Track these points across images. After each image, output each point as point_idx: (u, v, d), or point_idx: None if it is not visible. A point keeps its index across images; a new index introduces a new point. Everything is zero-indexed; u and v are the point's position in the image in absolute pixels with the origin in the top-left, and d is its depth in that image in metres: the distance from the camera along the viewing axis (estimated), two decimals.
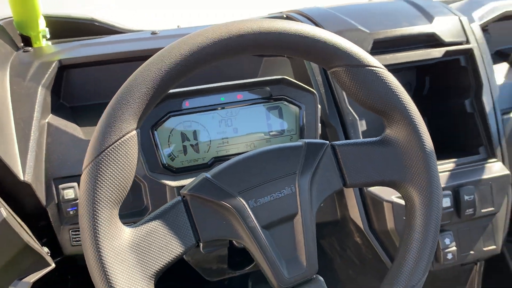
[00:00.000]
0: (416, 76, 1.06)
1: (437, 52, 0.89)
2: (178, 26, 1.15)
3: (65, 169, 0.75)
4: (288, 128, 0.74)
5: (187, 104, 0.70)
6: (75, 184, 0.74)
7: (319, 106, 0.75)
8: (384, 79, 0.54)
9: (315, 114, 0.74)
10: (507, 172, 0.86)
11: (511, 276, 1.47)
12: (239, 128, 0.72)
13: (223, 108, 0.71)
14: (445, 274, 0.91)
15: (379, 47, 0.88)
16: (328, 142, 0.56)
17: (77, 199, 0.73)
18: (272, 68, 0.94)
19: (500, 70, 1.03)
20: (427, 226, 0.55)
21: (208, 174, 0.51)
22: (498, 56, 1.08)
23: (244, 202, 0.51)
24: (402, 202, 0.79)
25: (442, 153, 0.95)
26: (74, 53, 0.86)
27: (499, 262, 1.11)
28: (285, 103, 0.73)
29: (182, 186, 0.75)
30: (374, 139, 0.57)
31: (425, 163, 0.55)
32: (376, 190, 0.81)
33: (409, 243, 0.56)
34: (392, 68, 0.89)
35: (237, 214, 0.51)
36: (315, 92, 0.74)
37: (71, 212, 0.73)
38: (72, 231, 0.76)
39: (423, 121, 0.56)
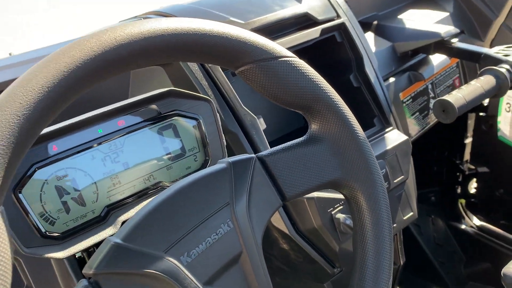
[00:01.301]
0: None
1: (314, 32, 0.85)
2: (10, 54, 0.94)
3: None
4: (189, 147, 0.62)
5: (54, 148, 0.54)
6: None
7: (218, 114, 0.64)
8: (301, 69, 0.46)
9: (216, 123, 0.64)
10: (405, 137, 0.87)
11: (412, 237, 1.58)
12: (130, 161, 0.58)
13: (103, 142, 0.56)
14: None
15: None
16: (253, 155, 0.46)
17: None
18: (144, 82, 0.81)
19: (370, 39, 1.04)
20: (379, 221, 0.49)
21: (116, 238, 0.38)
22: (362, 27, 1.10)
23: (175, 261, 0.39)
24: (324, 195, 0.74)
25: None
26: None
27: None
28: (178, 118, 0.61)
29: (75, 255, 0.58)
30: (301, 139, 0.49)
31: (361, 154, 0.49)
32: None
33: (365, 246, 0.49)
34: None
35: (170, 280, 0.38)
36: (211, 99, 0.63)
37: None
38: None
39: (348, 108, 0.50)
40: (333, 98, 0.48)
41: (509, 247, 1.44)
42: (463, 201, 1.56)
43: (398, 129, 0.90)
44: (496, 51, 0.91)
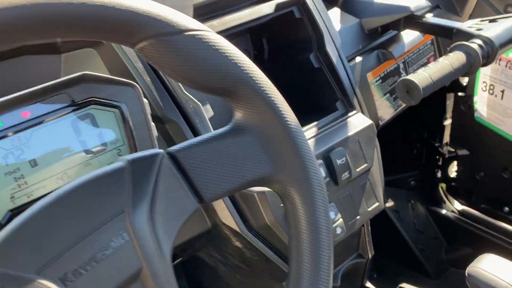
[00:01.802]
0: (251, 42, 0.94)
1: (268, 7, 0.77)
2: None
3: None
4: (112, 140, 0.54)
5: None
6: None
7: (146, 101, 0.57)
8: (216, 46, 0.38)
9: (144, 111, 0.56)
10: (369, 121, 0.79)
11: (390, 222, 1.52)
12: (38, 158, 0.50)
13: (4, 137, 0.48)
14: (335, 248, 0.82)
15: (202, 13, 0.72)
16: (161, 150, 0.39)
17: None
18: (77, 67, 0.72)
19: (334, 16, 0.96)
20: (316, 221, 0.42)
21: None
22: (327, 2, 1.01)
23: (50, 284, 0.32)
24: None
25: (302, 118, 0.86)
26: None
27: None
28: (97, 107, 0.53)
29: None
30: (222, 130, 0.41)
31: (293, 146, 0.41)
32: None
33: (301, 248, 0.42)
34: (224, 36, 0.75)
35: None
36: (135, 84, 0.55)
37: None
38: None
39: (278, 92, 0.42)
40: (258, 81, 0.40)
41: (491, 231, 1.39)
42: (443, 185, 1.50)
43: (363, 113, 0.83)
44: (469, 25, 0.83)
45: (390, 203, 1.57)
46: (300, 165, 0.42)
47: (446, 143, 1.42)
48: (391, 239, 1.54)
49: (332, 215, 0.72)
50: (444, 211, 1.50)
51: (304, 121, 0.80)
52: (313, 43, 0.83)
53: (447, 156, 1.42)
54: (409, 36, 1.01)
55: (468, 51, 0.74)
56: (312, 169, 0.42)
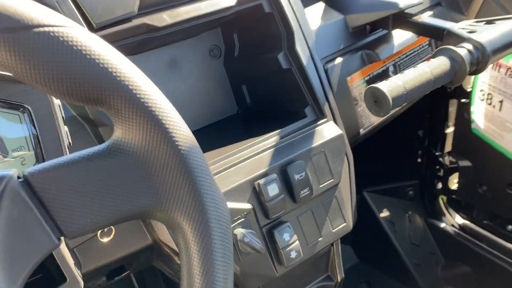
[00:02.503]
0: (223, 36, 0.86)
1: (230, 0, 0.69)
2: None
3: None
4: (13, 147, 0.48)
5: None
6: None
7: (58, 102, 0.50)
8: (80, 46, 0.31)
9: (54, 114, 0.49)
10: (339, 132, 0.71)
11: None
12: None
13: None
14: (299, 268, 0.74)
15: (152, 3, 0.64)
16: (8, 173, 0.32)
17: None
18: None
19: (316, 11, 0.87)
20: (210, 259, 0.35)
21: None
22: None
23: None
24: None
25: (269, 124, 0.78)
26: None
27: None
28: None
29: None
30: (95, 149, 0.34)
31: (183, 170, 0.34)
32: None
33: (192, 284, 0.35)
34: (180, 29, 0.67)
35: None
36: None
37: None
38: None
39: (167, 102, 0.34)
40: (138, 89, 0.33)
41: (492, 250, 1.28)
42: (444, 197, 1.40)
43: (336, 121, 0.74)
44: (461, 27, 0.73)
45: (385, 213, 1.47)
46: (193, 195, 0.34)
47: (448, 153, 1.31)
48: (384, 251, 1.45)
49: (286, 236, 0.64)
50: (443, 225, 1.40)
51: (270, 128, 0.72)
52: (283, 41, 0.74)
53: (448, 166, 1.32)
54: (402, 36, 0.91)
55: (453, 57, 0.64)
56: (208, 199, 0.34)
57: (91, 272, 0.63)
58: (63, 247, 0.51)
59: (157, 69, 0.81)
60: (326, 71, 0.80)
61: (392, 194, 1.46)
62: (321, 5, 0.89)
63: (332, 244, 0.79)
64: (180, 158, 0.33)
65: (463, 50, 0.65)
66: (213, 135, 0.81)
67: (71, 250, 0.59)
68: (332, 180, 0.69)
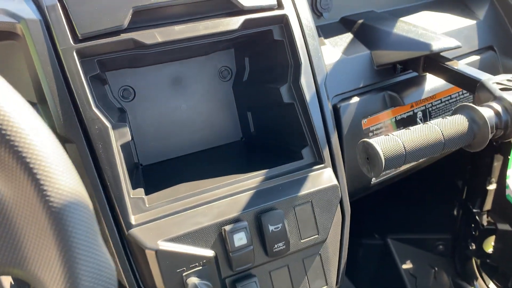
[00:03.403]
0: (235, 58, 0.80)
1: (234, 22, 0.63)
2: None
3: None
4: None
5: None
6: None
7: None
8: None
9: None
10: (333, 182, 0.63)
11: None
12: None
13: None
14: None
15: (144, 19, 0.60)
16: None
17: None
18: None
19: (343, 42, 0.79)
20: None
21: None
22: (343, 24, 0.85)
23: None
24: (176, 248, 0.54)
25: (265, 158, 0.71)
26: None
27: None
28: None
29: None
30: None
31: (52, 228, 0.28)
32: (140, 231, 0.55)
33: None
34: (184, 47, 0.62)
35: None
36: None
37: None
38: None
39: (53, 151, 0.29)
40: (18, 135, 0.28)
41: None
42: (478, 260, 1.25)
43: (335, 168, 0.66)
44: (498, 81, 0.63)
45: (408, 265, 1.34)
46: (61, 258, 0.28)
47: (487, 211, 1.17)
48: None
49: None
50: None
51: (264, 164, 0.65)
52: (290, 72, 0.67)
53: (485, 227, 1.17)
54: (437, 78, 0.81)
55: (474, 117, 0.54)
56: (81, 266, 0.29)
57: None
58: None
59: (158, 85, 0.77)
60: (337, 110, 0.72)
61: (419, 245, 1.33)
62: (348, 37, 0.81)
63: None
64: (51, 215, 0.28)
65: (488, 111, 0.55)
66: (204, 160, 0.75)
67: None
68: (316, 236, 0.61)
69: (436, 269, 1.31)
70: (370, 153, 0.51)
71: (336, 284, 0.64)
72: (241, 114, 0.81)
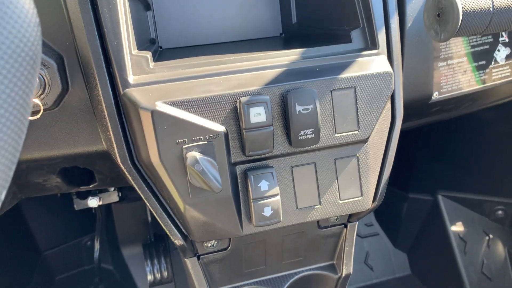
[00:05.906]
0: None
1: None
2: None
3: None
4: None
5: None
6: None
7: None
8: None
9: None
10: (387, 68, 0.49)
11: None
12: None
13: None
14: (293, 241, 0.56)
15: None
16: None
17: None
18: None
19: None
20: None
21: None
22: None
23: None
24: (174, 113, 0.43)
25: (305, 46, 0.58)
26: None
27: None
28: None
29: None
30: None
31: None
32: (137, 91, 0.45)
33: None
34: None
35: None
36: None
37: None
38: None
39: None
40: None
41: None
42: None
43: (391, 58, 0.52)
44: None
45: (458, 227, 1.18)
46: None
47: None
48: (444, 272, 1.16)
49: (263, 185, 0.46)
50: None
51: (302, 44, 0.53)
52: None
53: None
54: None
55: None
56: None
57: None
58: None
59: None
60: None
61: (474, 207, 1.16)
62: None
63: (345, 226, 0.59)
64: None
65: None
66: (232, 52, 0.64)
67: None
68: (355, 132, 0.48)
69: (491, 236, 1.15)
70: (444, 4, 0.37)
71: (374, 201, 0.52)
72: (284, 4, 0.68)
